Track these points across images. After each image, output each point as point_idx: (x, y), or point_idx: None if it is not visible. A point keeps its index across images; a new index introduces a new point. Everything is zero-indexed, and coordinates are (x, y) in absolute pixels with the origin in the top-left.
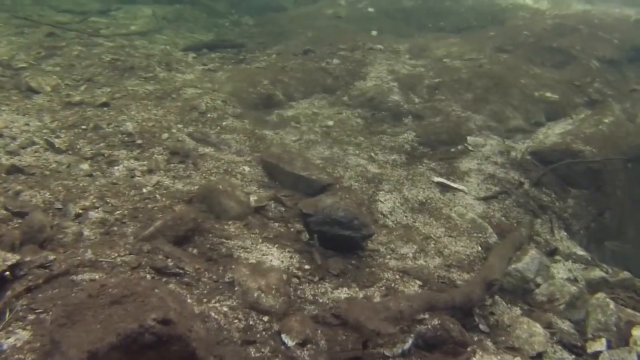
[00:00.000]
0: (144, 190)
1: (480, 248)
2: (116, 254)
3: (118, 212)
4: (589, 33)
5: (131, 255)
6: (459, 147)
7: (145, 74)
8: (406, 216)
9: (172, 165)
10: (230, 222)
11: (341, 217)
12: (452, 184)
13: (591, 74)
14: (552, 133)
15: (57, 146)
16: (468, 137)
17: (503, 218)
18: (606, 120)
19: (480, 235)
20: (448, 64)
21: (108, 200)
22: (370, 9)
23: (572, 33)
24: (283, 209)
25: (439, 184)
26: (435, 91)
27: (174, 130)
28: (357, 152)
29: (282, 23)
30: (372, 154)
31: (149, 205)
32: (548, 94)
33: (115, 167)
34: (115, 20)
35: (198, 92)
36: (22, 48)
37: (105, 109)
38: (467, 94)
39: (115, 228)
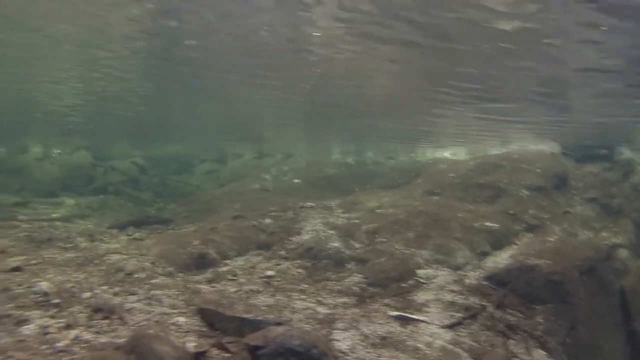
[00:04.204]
0: (59, 344)
1: None
2: None
3: None
4: (512, 167)
5: None
6: (410, 281)
7: (65, 245)
8: (369, 352)
9: (94, 321)
10: None
11: (297, 346)
12: (412, 316)
13: (523, 203)
14: (501, 258)
15: None
16: (418, 271)
17: (474, 343)
18: (551, 239)
19: None
20: (382, 212)
21: (11, 355)
22: (296, 180)
23: (496, 169)
24: (228, 355)
25: (397, 317)
26: (375, 235)
27: (97, 290)
28: (304, 297)
29: (207, 200)
30: (320, 298)
31: (64, 358)
32: (488, 224)
33: (25, 326)
34: (36, 210)
35: (124, 257)
36: None
37: (17, 273)
38: (407, 233)
39: None
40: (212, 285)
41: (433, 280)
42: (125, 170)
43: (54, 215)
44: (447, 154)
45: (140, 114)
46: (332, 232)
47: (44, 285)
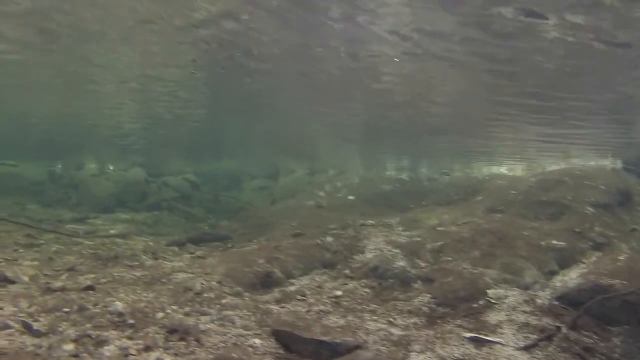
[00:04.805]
0: None
1: None
2: None
3: None
4: (574, 183)
5: None
6: (481, 302)
7: (131, 262)
8: None
9: (171, 342)
10: None
11: None
12: (487, 338)
13: (588, 220)
14: (570, 278)
15: (35, 328)
16: (488, 291)
17: None
18: (621, 258)
19: None
20: (445, 230)
21: None
22: (351, 197)
23: (558, 186)
24: None
25: (472, 339)
26: (440, 254)
27: (168, 311)
28: (375, 317)
29: (263, 216)
30: (391, 319)
31: None
32: (554, 242)
33: (106, 347)
34: (94, 226)
35: (190, 276)
36: None
37: (90, 292)
38: (473, 252)
39: None
40: (281, 305)
41: (504, 301)
42: (178, 187)
43: (111, 232)
44: (502, 169)
45: (196, 133)
46: (397, 250)
47: (119, 305)
